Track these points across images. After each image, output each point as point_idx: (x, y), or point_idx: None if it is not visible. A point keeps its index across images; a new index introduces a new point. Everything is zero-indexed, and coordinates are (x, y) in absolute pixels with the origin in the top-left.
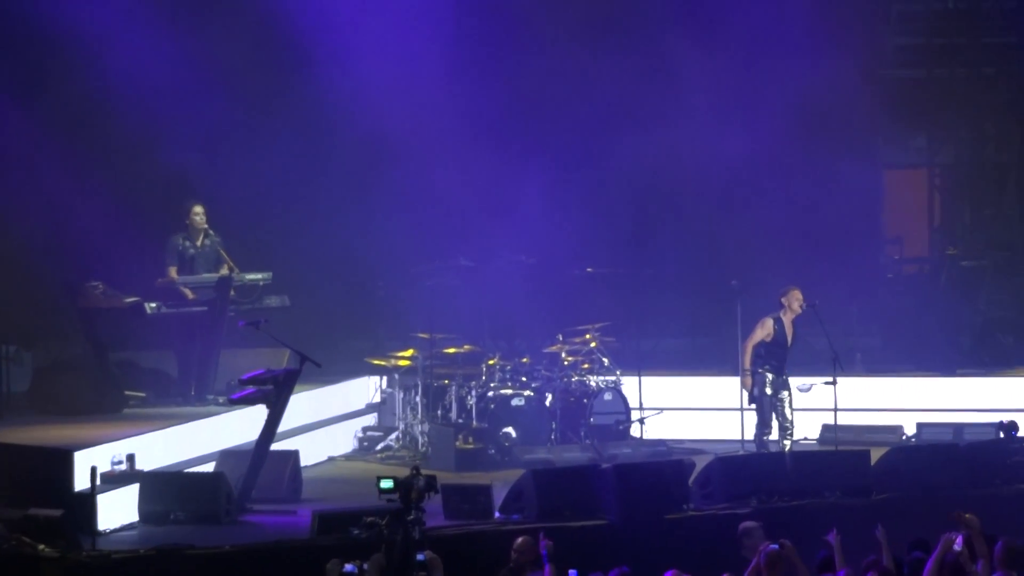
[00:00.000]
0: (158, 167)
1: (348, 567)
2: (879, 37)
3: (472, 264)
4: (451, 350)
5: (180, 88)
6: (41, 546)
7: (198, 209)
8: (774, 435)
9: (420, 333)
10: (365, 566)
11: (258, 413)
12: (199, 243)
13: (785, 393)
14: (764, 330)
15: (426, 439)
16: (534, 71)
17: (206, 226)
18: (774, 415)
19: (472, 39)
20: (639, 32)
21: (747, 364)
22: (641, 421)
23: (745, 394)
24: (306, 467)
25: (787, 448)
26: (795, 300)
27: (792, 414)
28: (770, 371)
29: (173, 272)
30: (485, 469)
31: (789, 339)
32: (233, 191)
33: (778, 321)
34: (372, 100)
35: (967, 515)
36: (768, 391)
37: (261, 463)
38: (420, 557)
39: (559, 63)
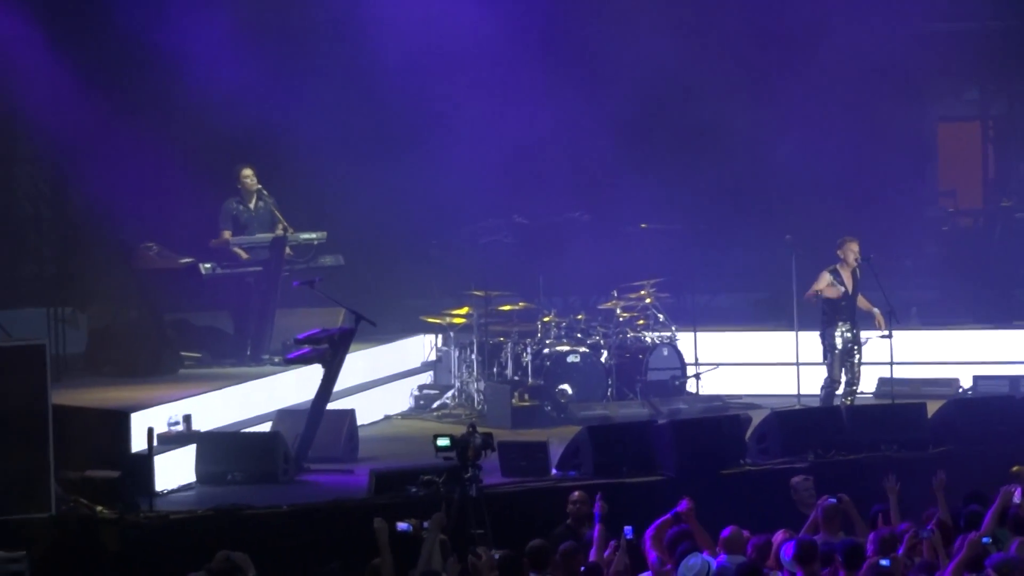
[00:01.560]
0: (212, 127)
1: (402, 525)
2: None
3: (526, 221)
4: (506, 307)
5: (232, 50)
6: (99, 507)
7: (247, 172)
8: (840, 390)
9: (475, 291)
10: (425, 524)
11: (314, 372)
12: (253, 206)
13: (856, 348)
14: (822, 282)
15: (482, 397)
16: (590, 30)
17: (259, 187)
18: (843, 370)
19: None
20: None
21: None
22: (697, 376)
23: (816, 347)
24: (362, 426)
25: (848, 403)
26: (850, 252)
27: (860, 370)
28: (841, 324)
29: (227, 235)
30: (541, 426)
31: (851, 288)
32: (287, 150)
33: (835, 273)
34: (427, 57)
35: None
36: (839, 345)
37: (318, 422)
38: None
39: (615, 23)
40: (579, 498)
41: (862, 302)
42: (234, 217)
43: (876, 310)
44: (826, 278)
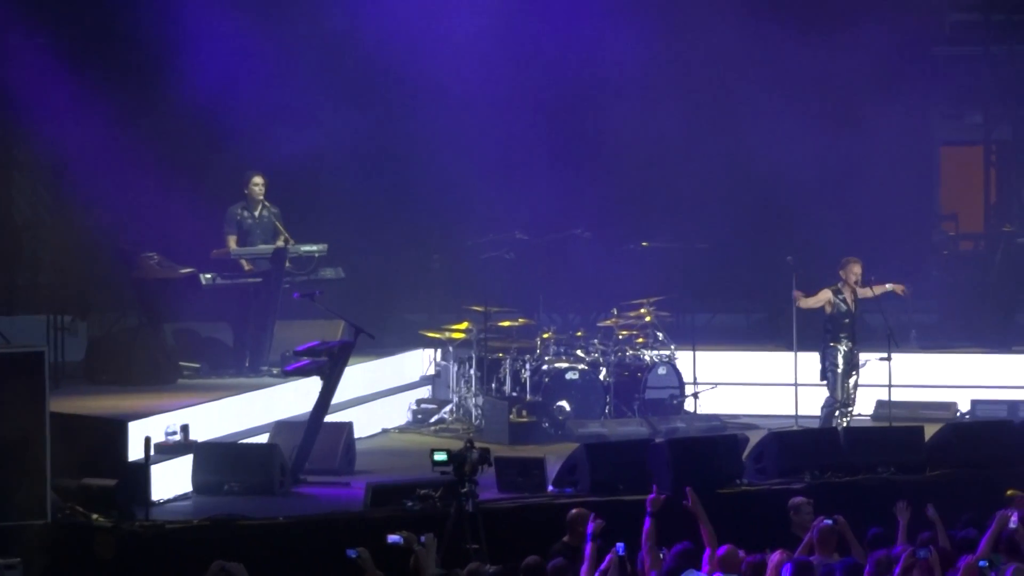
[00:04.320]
0: (214, 137)
1: (393, 537)
2: (936, 14)
3: (527, 237)
4: (506, 323)
5: (235, 59)
6: (95, 516)
7: (257, 180)
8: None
9: (475, 306)
10: (422, 539)
11: (312, 385)
12: (257, 213)
13: (854, 369)
14: (824, 296)
15: (480, 412)
16: (585, 49)
17: (263, 196)
18: (841, 391)
19: (533, 18)
20: (688, 8)
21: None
22: (695, 396)
23: (813, 369)
24: (360, 439)
25: (844, 424)
26: (852, 273)
27: (856, 391)
28: (843, 344)
29: (232, 242)
30: (539, 442)
31: (852, 308)
32: (289, 163)
33: (837, 292)
34: (430, 71)
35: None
36: (840, 365)
37: (315, 435)
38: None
39: (609, 43)
40: (579, 516)
41: (870, 291)
42: (238, 222)
43: (888, 285)
44: (827, 294)
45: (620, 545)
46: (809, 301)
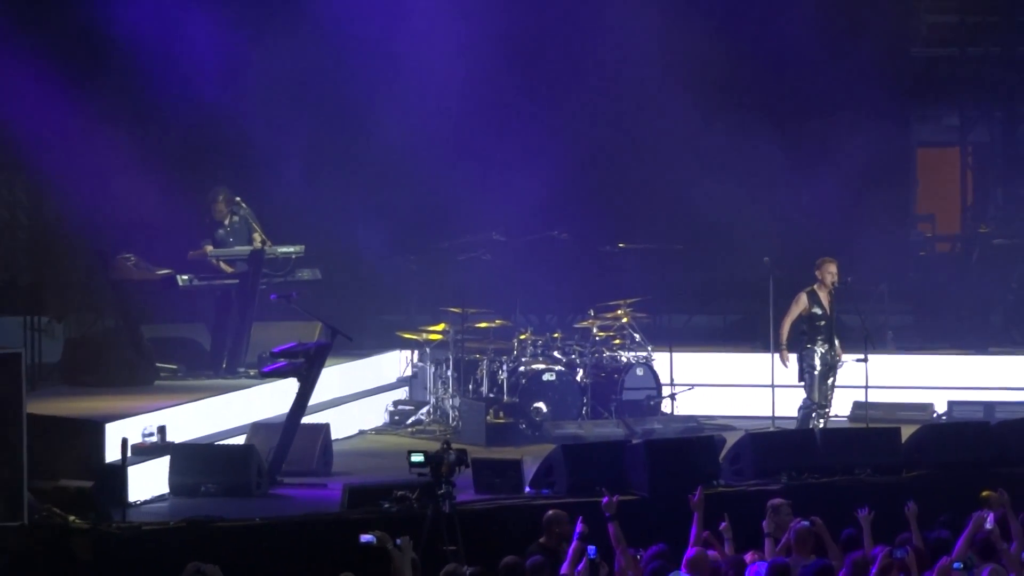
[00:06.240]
0: (192, 139)
1: (365, 537)
2: (913, 15)
3: (504, 239)
4: (483, 324)
5: (213, 63)
6: (71, 517)
7: (221, 207)
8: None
9: (452, 307)
10: (399, 541)
11: (289, 386)
12: (228, 222)
13: (832, 370)
14: (799, 305)
15: (457, 413)
16: (562, 50)
17: (228, 209)
18: (819, 392)
19: (511, 16)
20: (664, 11)
21: (783, 340)
22: (672, 397)
23: (780, 369)
24: (337, 440)
25: (821, 426)
26: (828, 274)
27: (833, 393)
28: (820, 345)
29: (208, 249)
30: (516, 444)
31: (828, 309)
32: (266, 163)
33: (811, 294)
34: (401, 78)
35: (997, 493)
36: (818, 366)
37: (292, 436)
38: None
39: (586, 43)
40: (555, 518)
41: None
42: (211, 232)
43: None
44: (803, 300)
45: (592, 548)
46: (788, 320)
